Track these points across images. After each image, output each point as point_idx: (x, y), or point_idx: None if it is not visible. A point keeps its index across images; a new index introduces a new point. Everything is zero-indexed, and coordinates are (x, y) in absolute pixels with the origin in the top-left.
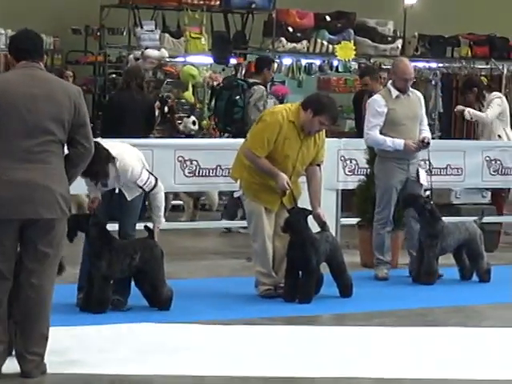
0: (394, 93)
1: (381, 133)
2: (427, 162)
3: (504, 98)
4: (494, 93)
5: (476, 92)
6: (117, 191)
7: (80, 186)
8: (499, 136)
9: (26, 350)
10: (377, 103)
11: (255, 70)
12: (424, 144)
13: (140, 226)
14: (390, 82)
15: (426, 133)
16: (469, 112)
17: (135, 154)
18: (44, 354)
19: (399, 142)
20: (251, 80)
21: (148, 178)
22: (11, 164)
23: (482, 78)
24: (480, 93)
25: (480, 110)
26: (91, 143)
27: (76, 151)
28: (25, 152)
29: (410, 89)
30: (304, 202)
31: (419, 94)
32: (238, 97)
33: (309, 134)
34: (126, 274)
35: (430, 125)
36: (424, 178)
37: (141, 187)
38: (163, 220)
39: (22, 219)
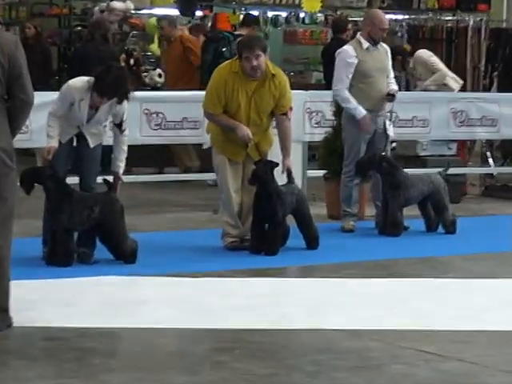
0: (365, 44)
1: (351, 84)
2: (393, 114)
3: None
4: (419, 52)
5: (400, 60)
6: (74, 144)
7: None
8: (445, 84)
9: None
10: (347, 54)
11: (243, 23)
12: (390, 97)
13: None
14: (360, 33)
15: (393, 85)
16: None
17: None
18: (7, 307)
19: (360, 111)
20: (237, 32)
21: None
22: None
23: (405, 46)
24: (404, 60)
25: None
26: (29, 95)
27: (14, 104)
28: None
29: None
30: (275, 154)
31: (386, 46)
32: (224, 49)
33: (251, 76)
34: (86, 226)
35: (396, 77)
36: (391, 130)
37: (121, 122)
38: (123, 166)
39: None
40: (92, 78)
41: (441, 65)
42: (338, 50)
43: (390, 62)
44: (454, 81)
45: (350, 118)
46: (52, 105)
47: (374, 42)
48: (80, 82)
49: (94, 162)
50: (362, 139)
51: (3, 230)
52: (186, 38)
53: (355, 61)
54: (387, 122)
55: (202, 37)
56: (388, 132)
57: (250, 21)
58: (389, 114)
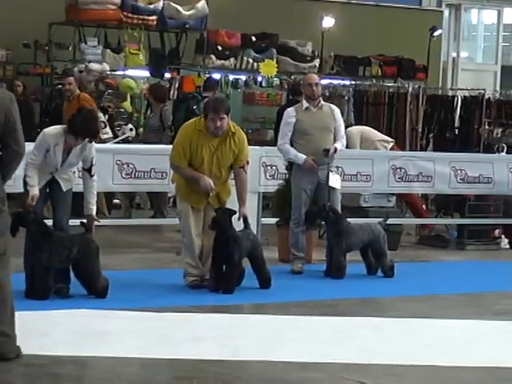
0: (305, 105)
1: (292, 140)
2: (331, 167)
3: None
4: (348, 130)
5: None
6: (47, 190)
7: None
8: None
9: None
10: (287, 114)
11: (205, 88)
12: (325, 152)
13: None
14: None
15: (337, 143)
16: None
17: None
18: (14, 336)
19: (301, 157)
20: (203, 94)
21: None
22: None
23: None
24: None
25: None
26: (21, 146)
27: (7, 154)
28: None
29: (324, 103)
30: (233, 202)
31: (334, 107)
32: (195, 106)
33: (214, 135)
34: (64, 265)
35: None
36: (333, 181)
37: (91, 166)
38: (95, 208)
39: None
40: (65, 126)
41: (357, 146)
42: (285, 111)
43: (340, 122)
44: (381, 144)
45: (295, 170)
46: (29, 155)
47: (311, 100)
48: (54, 129)
49: (66, 205)
50: (302, 190)
51: (2, 263)
52: (83, 97)
53: (293, 120)
54: (330, 174)
55: (151, 97)
56: (330, 183)
57: (211, 85)
58: (333, 168)
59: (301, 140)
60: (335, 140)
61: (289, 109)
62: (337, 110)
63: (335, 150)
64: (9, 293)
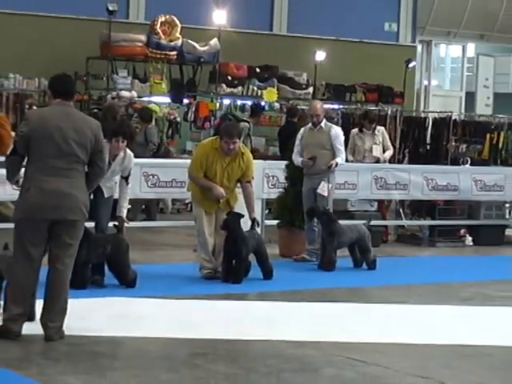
0: (309, 126)
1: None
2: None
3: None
4: (379, 127)
5: (374, 125)
6: (92, 196)
7: None
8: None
9: (50, 320)
10: (299, 132)
11: (254, 113)
12: (308, 161)
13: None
14: None
15: (337, 159)
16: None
17: None
18: (63, 323)
19: (299, 161)
20: (244, 118)
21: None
22: (44, 177)
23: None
24: (376, 126)
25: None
26: (105, 165)
27: (93, 170)
28: (55, 169)
29: (328, 124)
30: (240, 207)
31: (333, 128)
32: None
33: (226, 154)
34: (100, 260)
35: None
36: (322, 189)
37: (128, 175)
38: (126, 211)
39: (52, 219)
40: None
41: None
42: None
43: (336, 141)
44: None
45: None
46: None
47: (313, 124)
48: None
49: (107, 210)
50: (304, 193)
51: (69, 264)
52: None
53: (300, 137)
54: (322, 183)
55: (138, 118)
56: (318, 190)
57: (256, 111)
58: (325, 178)
59: (303, 152)
60: (335, 155)
61: (302, 128)
62: (334, 131)
63: (336, 164)
64: (67, 289)
